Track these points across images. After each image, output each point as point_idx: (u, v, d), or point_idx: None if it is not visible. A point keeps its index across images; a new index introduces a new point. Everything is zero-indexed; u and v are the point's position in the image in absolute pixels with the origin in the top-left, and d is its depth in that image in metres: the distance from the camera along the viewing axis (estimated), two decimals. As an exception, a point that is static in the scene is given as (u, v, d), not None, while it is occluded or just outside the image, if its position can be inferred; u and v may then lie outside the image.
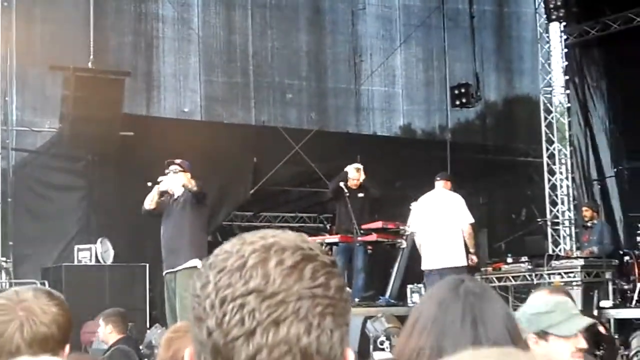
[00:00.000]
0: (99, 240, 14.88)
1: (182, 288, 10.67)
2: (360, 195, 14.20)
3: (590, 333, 7.52)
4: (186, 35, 18.06)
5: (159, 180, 11.19)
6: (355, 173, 14.32)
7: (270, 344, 1.46)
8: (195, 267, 10.75)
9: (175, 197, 11.21)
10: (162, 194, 11.24)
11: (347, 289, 1.61)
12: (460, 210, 13.10)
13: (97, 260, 14.72)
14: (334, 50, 19.74)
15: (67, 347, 2.97)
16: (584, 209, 16.65)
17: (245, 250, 1.53)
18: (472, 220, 13.21)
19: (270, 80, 19.01)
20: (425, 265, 13.08)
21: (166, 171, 11.20)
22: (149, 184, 11.22)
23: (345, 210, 14.00)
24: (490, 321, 2.21)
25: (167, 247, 11.17)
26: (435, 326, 2.23)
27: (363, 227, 13.85)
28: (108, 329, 9.85)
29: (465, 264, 12.99)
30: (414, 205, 14.70)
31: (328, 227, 17.67)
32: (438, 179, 13.57)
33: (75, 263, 14.72)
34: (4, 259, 15.09)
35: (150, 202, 11.28)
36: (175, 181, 11.11)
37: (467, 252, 13.01)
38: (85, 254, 14.77)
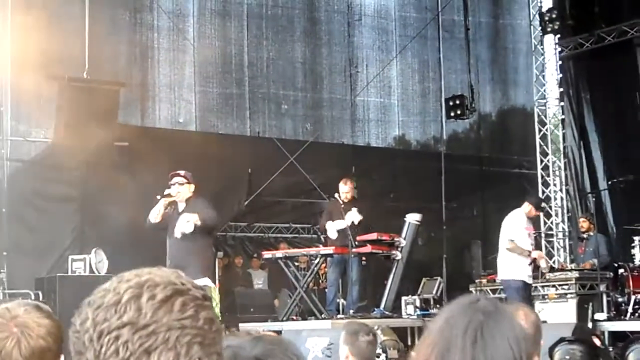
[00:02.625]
0: (93, 250, 14.83)
1: None
2: (354, 208, 14.17)
3: (587, 346, 7.55)
4: (181, 45, 18.07)
5: (165, 193, 11.12)
6: (344, 187, 14.28)
7: None
8: (205, 286, 10.75)
9: (181, 210, 11.14)
10: (167, 206, 11.17)
11: (218, 321, 1.71)
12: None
13: (92, 271, 14.67)
14: (329, 61, 19.79)
15: (62, 357, 2.98)
16: (581, 220, 16.65)
17: (121, 288, 1.64)
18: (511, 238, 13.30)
19: (265, 91, 19.03)
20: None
21: (170, 183, 11.14)
22: (158, 197, 11.14)
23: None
24: (492, 339, 2.22)
25: (174, 262, 10.95)
26: (441, 340, 2.25)
27: (358, 239, 13.84)
28: None
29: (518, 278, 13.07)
30: (408, 217, 14.72)
31: (322, 238, 17.67)
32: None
33: (70, 273, 14.66)
34: (-3, 269, 15.06)
35: (156, 215, 11.18)
36: (185, 225, 10.97)
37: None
38: (79, 265, 14.72)
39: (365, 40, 20.18)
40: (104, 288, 1.67)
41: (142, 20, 17.76)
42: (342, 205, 13.97)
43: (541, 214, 20.22)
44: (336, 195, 14.20)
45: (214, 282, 11.54)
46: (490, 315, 2.26)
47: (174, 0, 18.20)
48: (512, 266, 13.06)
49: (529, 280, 13.14)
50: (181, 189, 11.09)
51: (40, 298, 14.11)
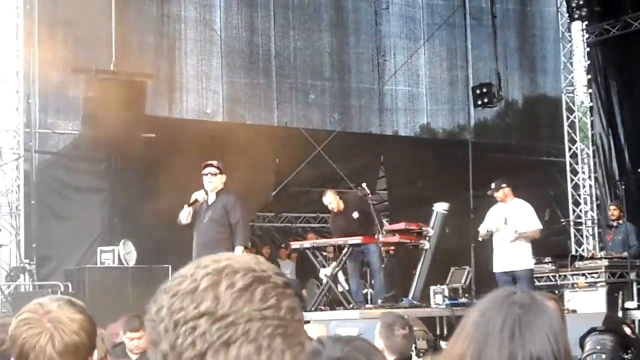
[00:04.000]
0: (122, 241, 14.89)
1: None
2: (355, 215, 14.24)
3: (618, 336, 7.49)
4: (208, 36, 18.07)
5: (192, 200, 11.15)
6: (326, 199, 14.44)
7: None
8: None
9: (210, 202, 11.19)
10: (193, 203, 11.21)
11: (301, 309, 1.63)
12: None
13: (120, 262, 14.73)
14: (357, 50, 19.69)
15: (95, 353, 2.99)
16: (611, 207, 16.50)
17: (198, 274, 1.56)
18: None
19: (292, 81, 18.99)
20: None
21: (203, 173, 11.19)
22: (186, 206, 11.18)
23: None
24: (530, 333, 2.19)
25: (200, 253, 10.96)
26: (477, 334, 2.23)
27: (386, 228, 13.84)
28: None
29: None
30: (436, 206, 14.68)
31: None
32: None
33: (98, 265, 14.74)
34: (27, 260, 15.14)
35: (186, 216, 11.22)
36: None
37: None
38: (108, 256, 14.78)
39: (393, 29, 20.05)
40: (180, 274, 1.60)
41: (169, 12, 17.76)
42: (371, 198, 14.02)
43: (570, 202, 20.17)
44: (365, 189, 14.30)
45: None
46: (527, 308, 2.24)
47: (200, -10, 18.20)
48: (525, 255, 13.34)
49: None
50: (214, 180, 11.16)
51: (70, 290, 14.20)
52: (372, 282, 14.38)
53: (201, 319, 1.51)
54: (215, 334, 1.50)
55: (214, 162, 11.30)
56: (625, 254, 14.90)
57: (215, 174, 11.18)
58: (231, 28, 18.45)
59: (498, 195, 13.65)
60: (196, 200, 11.19)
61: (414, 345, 10.51)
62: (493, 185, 13.75)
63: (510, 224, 13.38)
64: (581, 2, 19.31)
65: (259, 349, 1.51)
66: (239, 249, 10.96)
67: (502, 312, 2.22)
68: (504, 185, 13.66)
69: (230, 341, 1.50)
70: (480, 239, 13.96)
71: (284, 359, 1.53)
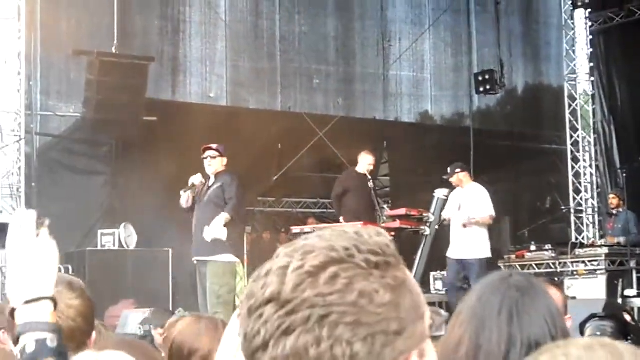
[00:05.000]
0: (123, 225, 14.89)
1: (212, 276, 10.93)
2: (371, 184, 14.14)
3: (618, 322, 7.48)
4: (213, 19, 17.99)
5: (189, 184, 11.20)
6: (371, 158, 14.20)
7: (281, 356, 1.37)
8: (229, 262, 10.90)
9: (210, 184, 11.23)
10: (190, 188, 11.28)
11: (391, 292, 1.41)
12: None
13: (121, 245, 14.74)
14: (362, 35, 19.57)
15: (94, 334, 3.00)
16: (610, 196, 16.53)
17: (280, 253, 1.45)
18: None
19: (297, 66, 18.92)
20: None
21: (202, 157, 11.25)
22: (182, 192, 11.24)
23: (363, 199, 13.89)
24: (527, 315, 2.19)
25: (198, 236, 11.14)
26: (474, 318, 2.22)
27: (387, 214, 13.85)
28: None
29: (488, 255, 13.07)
30: (437, 192, 14.66)
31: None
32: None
33: (99, 248, 14.75)
34: (27, 243, 15.13)
35: (186, 201, 11.35)
36: (217, 232, 11.09)
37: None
38: (108, 239, 14.80)
39: (399, 14, 19.94)
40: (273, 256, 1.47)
41: (174, -6, 17.70)
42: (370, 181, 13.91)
43: (570, 190, 20.16)
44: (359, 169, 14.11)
45: (242, 257, 11.58)
46: (525, 291, 2.24)
47: (206, -26, 18.13)
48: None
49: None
50: (213, 162, 11.24)
51: (70, 272, 14.20)
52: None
53: (267, 306, 1.39)
54: (276, 322, 1.38)
55: (214, 145, 11.34)
56: (623, 239, 14.94)
57: (215, 157, 11.25)
58: (236, 12, 18.35)
59: (453, 180, 13.41)
60: (193, 185, 11.24)
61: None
62: (448, 170, 13.48)
63: (463, 210, 13.19)
64: (585, -10, 19.30)
65: (317, 339, 1.36)
66: (223, 215, 10.97)
67: (499, 295, 2.22)
68: (458, 170, 13.38)
69: (289, 330, 1.37)
70: (445, 223, 13.76)
71: (353, 351, 1.37)
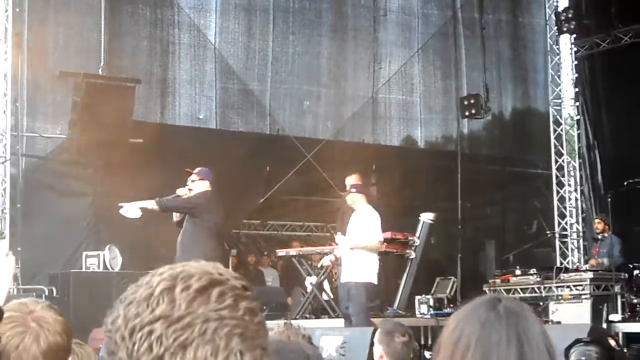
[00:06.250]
0: (107, 247, 14.86)
1: None
2: None
3: (603, 347, 7.50)
4: (202, 41, 18.00)
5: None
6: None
7: None
8: None
9: None
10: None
11: (262, 313, 1.61)
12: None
13: (105, 267, 14.71)
14: (354, 57, 19.55)
15: (70, 357, 3.00)
16: (596, 221, 16.58)
17: (153, 281, 1.56)
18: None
19: (288, 87, 18.89)
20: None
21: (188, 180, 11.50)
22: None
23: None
24: (533, 341, 2.19)
25: (177, 254, 11.36)
26: (479, 346, 2.20)
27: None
28: None
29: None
30: (422, 216, 14.69)
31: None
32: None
33: (84, 270, 14.71)
34: (12, 264, 15.05)
35: (176, 215, 11.75)
36: (129, 211, 11.33)
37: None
38: (93, 261, 14.75)
39: (390, 37, 19.90)
40: (136, 284, 1.59)
41: (163, 16, 17.67)
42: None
43: (555, 214, 20.17)
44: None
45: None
46: (520, 316, 2.23)
47: (196, -6, 18.15)
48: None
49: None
50: (194, 186, 11.42)
51: (55, 294, 14.16)
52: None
53: (157, 323, 1.50)
54: (171, 337, 1.49)
55: (196, 170, 11.48)
56: (606, 261, 14.97)
57: (194, 181, 11.42)
58: (227, 33, 18.31)
59: (347, 199, 12.67)
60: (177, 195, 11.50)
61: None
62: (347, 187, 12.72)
63: (348, 233, 12.51)
64: (570, 16, 19.37)
65: (216, 349, 1.50)
66: (150, 201, 11.39)
67: (504, 322, 2.21)
68: (353, 190, 12.55)
69: (187, 343, 1.49)
70: None
71: None
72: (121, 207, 11.26)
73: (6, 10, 15.42)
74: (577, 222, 20.28)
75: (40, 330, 2.78)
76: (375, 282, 12.34)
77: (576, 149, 20.63)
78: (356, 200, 12.50)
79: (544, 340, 2.21)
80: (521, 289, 15.05)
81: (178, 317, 1.50)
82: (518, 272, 15.34)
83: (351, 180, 12.95)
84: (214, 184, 11.60)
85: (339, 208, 14.98)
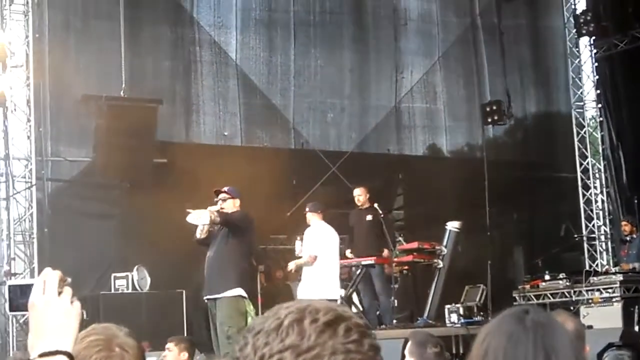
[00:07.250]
0: (135, 267, 14.88)
1: (222, 316, 10.91)
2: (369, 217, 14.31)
3: (636, 351, 7.47)
4: (224, 58, 18.03)
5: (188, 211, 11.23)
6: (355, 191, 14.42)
7: None
8: (235, 296, 10.88)
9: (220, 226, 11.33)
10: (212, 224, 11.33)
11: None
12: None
13: (134, 288, 14.73)
14: (377, 68, 19.50)
15: None
16: (623, 223, 16.53)
17: (281, 313, 1.64)
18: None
19: (311, 100, 18.88)
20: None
21: (215, 200, 11.32)
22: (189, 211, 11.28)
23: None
24: (561, 353, 2.18)
25: (207, 274, 11.29)
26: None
27: (400, 248, 13.87)
28: (183, 355, 9.73)
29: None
30: (449, 225, 14.67)
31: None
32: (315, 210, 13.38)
33: (113, 291, 14.74)
34: (41, 288, 15.11)
35: (200, 232, 11.44)
36: (200, 218, 11.11)
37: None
38: (122, 282, 14.78)
39: (411, 45, 19.86)
40: (264, 316, 1.66)
41: (183, 35, 17.71)
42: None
43: (582, 217, 20.08)
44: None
45: (256, 296, 11.58)
46: (548, 328, 2.23)
47: (215, 12, 18.11)
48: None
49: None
50: (225, 205, 11.29)
51: (85, 317, 14.12)
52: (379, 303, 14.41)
53: (286, 352, 1.57)
54: None
55: (225, 188, 11.40)
56: (638, 265, 14.88)
57: (225, 199, 11.31)
58: (248, 49, 18.31)
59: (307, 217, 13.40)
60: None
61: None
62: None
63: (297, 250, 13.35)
64: (588, 18, 19.34)
65: None
66: (214, 209, 11.15)
67: (530, 335, 2.20)
68: (306, 210, 13.45)
69: None
70: None
71: None
72: (189, 212, 11.07)
73: (27, 37, 15.53)
74: (605, 224, 20.18)
75: (125, 355, 2.80)
76: (334, 297, 12.62)
77: (600, 151, 20.53)
78: (310, 219, 13.26)
79: (572, 352, 2.20)
80: (551, 294, 15.01)
81: (307, 348, 1.57)
82: (547, 276, 15.30)
83: (358, 192, 14.20)
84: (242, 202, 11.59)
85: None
